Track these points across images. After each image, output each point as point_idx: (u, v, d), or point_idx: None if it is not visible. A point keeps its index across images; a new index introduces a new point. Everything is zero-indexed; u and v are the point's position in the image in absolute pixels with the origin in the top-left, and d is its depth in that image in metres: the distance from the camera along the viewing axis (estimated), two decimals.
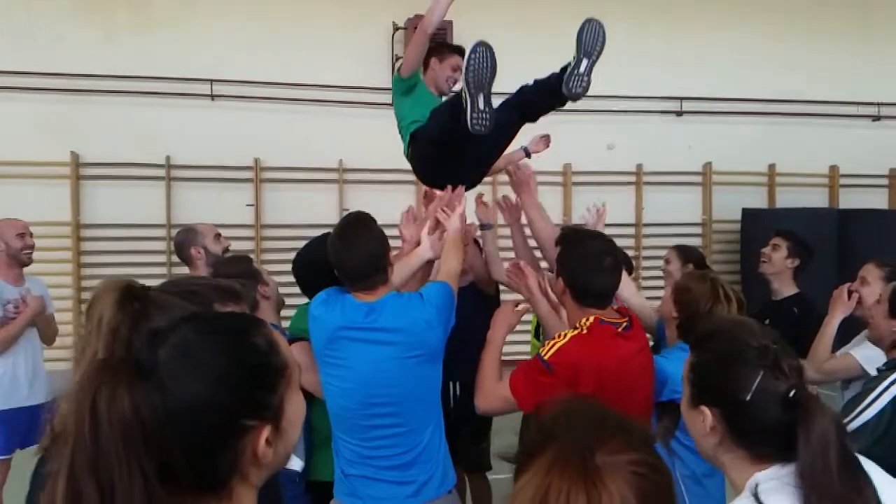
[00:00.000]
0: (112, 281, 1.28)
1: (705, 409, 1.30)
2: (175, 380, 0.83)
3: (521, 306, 2.43)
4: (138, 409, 0.79)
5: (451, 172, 2.93)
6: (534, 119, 3.16)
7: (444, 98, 3.37)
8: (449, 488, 2.36)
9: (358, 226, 2.35)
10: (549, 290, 2.84)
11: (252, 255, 7.29)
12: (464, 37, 7.91)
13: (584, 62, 2.77)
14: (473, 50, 2.64)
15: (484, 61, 2.64)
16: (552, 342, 2.09)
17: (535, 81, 2.96)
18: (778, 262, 3.74)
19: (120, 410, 0.78)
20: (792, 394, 1.22)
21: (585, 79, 2.78)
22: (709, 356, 1.35)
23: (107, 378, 0.80)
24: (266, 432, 0.88)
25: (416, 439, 2.27)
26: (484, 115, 2.66)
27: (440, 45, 3.35)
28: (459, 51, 3.38)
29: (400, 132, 3.24)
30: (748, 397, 1.24)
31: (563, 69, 2.81)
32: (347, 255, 2.28)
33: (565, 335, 2.10)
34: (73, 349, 7.19)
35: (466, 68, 2.63)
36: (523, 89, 2.95)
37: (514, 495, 0.88)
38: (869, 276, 3.09)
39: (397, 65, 3.21)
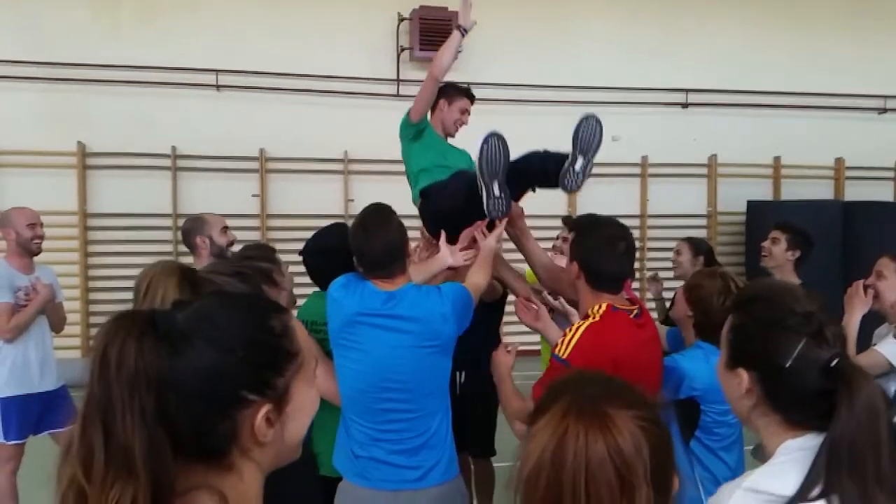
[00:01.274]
0: (167, 263, 1.34)
1: (742, 372, 1.28)
2: (185, 340, 0.86)
3: (510, 348, 2.48)
4: (145, 360, 0.83)
5: (459, 231, 2.98)
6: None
7: (449, 139, 3.41)
8: (454, 475, 2.42)
9: (379, 216, 2.43)
10: (551, 299, 2.88)
11: None
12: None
13: (580, 160, 2.75)
14: (485, 141, 2.72)
15: (496, 151, 2.73)
16: (566, 338, 2.08)
17: (539, 159, 2.90)
18: (778, 255, 3.75)
19: (128, 359, 0.82)
20: (835, 362, 1.19)
21: (581, 176, 2.76)
22: (750, 319, 1.31)
23: (122, 328, 0.84)
24: (265, 410, 0.89)
25: (426, 425, 2.34)
26: (500, 202, 2.76)
27: (449, 86, 3.41)
28: (468, 93, 3.48)
29: (408, 177, 3.28)
30: (788, 363, 1.21)
31: (562, 162, 2.79)
32: (368, 243, 2.36)
33: (577, 329, 2.09)
34: (80, 337, 7.26)
35: (479, 159, 2.72)
36: (528, 160, 2.91)
37: (529, 438, 0.95)
38: (885, 269, 3.05)
39: (405, 110, 3.23)
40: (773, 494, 1.11)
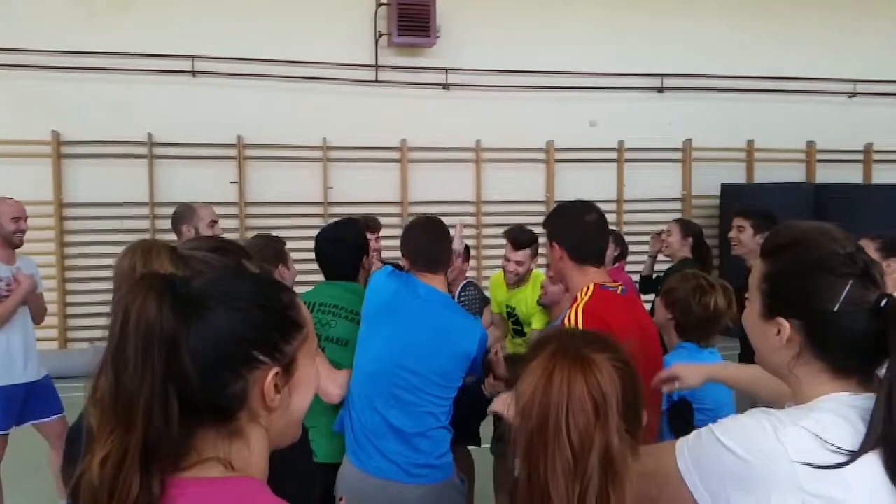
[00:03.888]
0: (152, 241, 1.39)
1: (783, 321, 1.20)
2: (201, 303, 0.91)
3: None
4: (163, 318, 0.87)
5: None
6: None
7: None
8: (446, 476, 2.49)
9: (434, 220, 2.71)
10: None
11: (236, 234, 7.31)
12: (446, 13, 7.92)
13: None
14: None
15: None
16: None
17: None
18: (748, 241, 3.70)
19: (147, 315, 0.87)
20: (884, 302, 1.14)
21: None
22: (789, 264, 1.22)
23: (144, 288, 0.90)
24: (274, 373, 0.93)
25: (430, 422, 2.44)
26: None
27: None
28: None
29: None
30: (835, 308, 1.15)
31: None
32: (421, 237, 2.60)
33: (576, 319, 2.07)
34: (57, 328, 7.20)
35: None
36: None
37: (522, 378, 1.14)
38: (866, 249, 3.11)
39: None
40: (829, 444, 1.07)
